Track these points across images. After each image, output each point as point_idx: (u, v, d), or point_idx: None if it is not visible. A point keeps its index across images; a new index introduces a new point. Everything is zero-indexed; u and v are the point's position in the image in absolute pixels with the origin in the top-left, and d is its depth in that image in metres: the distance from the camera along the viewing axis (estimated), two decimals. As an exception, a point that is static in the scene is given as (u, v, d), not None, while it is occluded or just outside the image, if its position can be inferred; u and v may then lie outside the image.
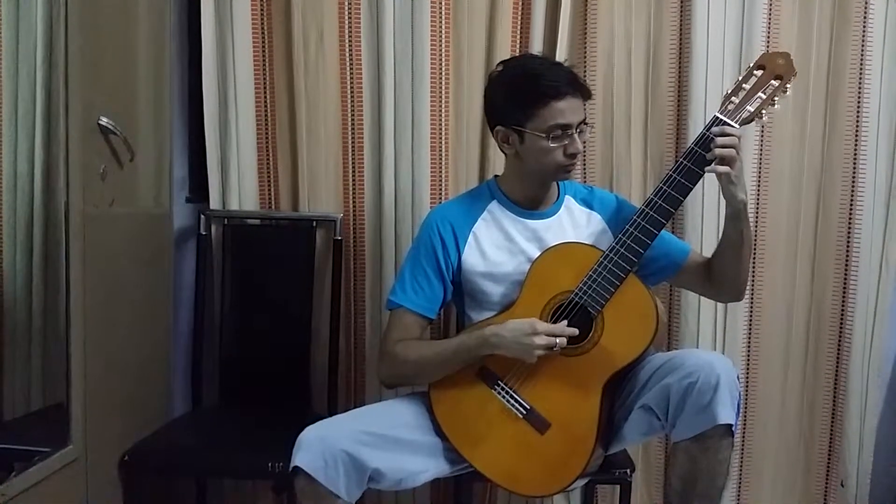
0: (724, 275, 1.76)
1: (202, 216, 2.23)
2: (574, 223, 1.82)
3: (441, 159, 2.20)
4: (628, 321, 1.62)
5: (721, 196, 1.67)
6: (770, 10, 2.18)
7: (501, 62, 1.85)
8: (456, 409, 1.70)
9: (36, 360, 1.81)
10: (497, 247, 1.78)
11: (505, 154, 1.80)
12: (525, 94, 1.68)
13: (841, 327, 2.30)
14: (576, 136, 1.68)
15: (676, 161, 1.64)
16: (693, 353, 1.62)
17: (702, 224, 2.20)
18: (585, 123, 1.71)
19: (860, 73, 2.21)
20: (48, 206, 1.76)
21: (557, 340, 1.58)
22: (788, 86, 1.64)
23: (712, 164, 1.59)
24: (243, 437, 2.00)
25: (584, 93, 1.70)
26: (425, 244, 1.78)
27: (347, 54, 2.18)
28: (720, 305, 2.24)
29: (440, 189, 2.20)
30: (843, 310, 2.29)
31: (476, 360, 1.68)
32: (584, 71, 2.18)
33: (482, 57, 2.19)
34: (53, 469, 1.69)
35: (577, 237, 1.78)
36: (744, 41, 2.18)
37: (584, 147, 1.76)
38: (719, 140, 1.58)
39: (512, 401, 1.66)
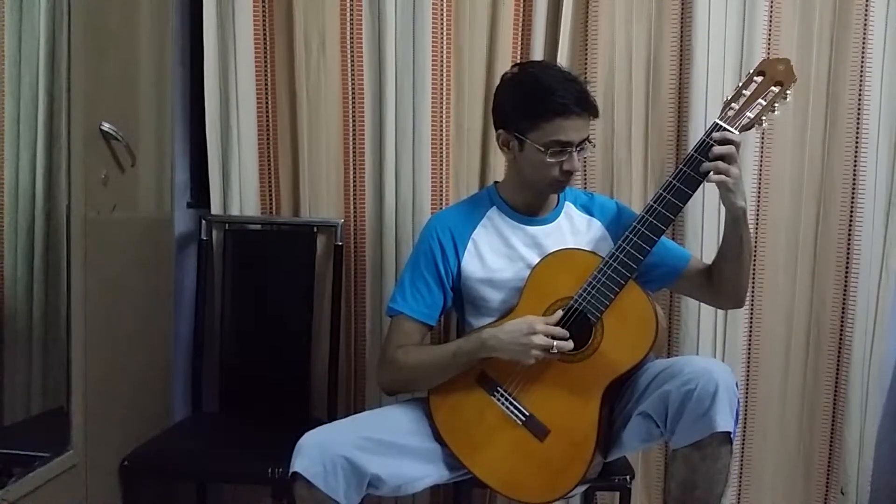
0: (724, 282, 1.76)
1: (203, 221, 2.23)
2: (574, 229, 1.82)
3: (442, 165, 2.20)
4: (628, 327, 1.62)
5: (721, 203, 1.67)
6: (770, 16, 2.18)
7: (517, 64, 1.85)
8: (455, 416, 1.70)
9: (36, 365, 1.81)
10: (496, 253, 1.78)
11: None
12: (532, 106, 1.67)
13: (841, 334, 2.29)
14: (574, 154, 1.68)
15: (676, 167, 1.64)
16: (692, 359, 1.62)
17: (702, 230, 2.20)
18: (588, 141, 1.71)
19: (860, 80, 2.21)
20: (50, 210, 1.77)
21: (555, 343, 1.58)
22: (789, 92, 1.63)
23: (710, 172, 1.59)
24: (243, 443, 2.00)
25: (593, 112, 1.69)
26: (425, 251, 1.79)
27: (349, 60, 2.19)
28: (720, 312, 2.24)
29: (441, 195, 2.21)
30: (843, 317, 2.29)
31: (475, 363, 1.68)
32: (585, 77, 2.18)
33: (483, 64, 2.20)
34: (53, 474, 1.69)
35: (577, 243, 1.78)
36: (744, 47, 2.19)
37: (584, 163, 1.75)
38: (718, 148, 1.58)
39: (511, 407, 1.66)
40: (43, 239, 1.78)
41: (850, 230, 2.26)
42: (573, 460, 1.61)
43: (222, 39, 2.18)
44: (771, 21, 2.19)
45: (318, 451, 1.54)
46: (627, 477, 1.81)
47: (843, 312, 2.29)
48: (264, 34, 2.20)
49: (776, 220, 2.26)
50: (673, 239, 2.11)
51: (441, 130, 2.19)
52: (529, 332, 1.58)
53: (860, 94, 2.21)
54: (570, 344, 1.59)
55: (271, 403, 2.19)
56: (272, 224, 2.27)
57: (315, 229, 2.23)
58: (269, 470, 1.79)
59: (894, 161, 2.24)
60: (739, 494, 2.35)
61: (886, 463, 2.36)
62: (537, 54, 2.17)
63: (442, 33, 2.16)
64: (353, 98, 2.20)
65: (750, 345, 2.30)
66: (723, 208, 1.69)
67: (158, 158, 2.14)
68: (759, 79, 1.64)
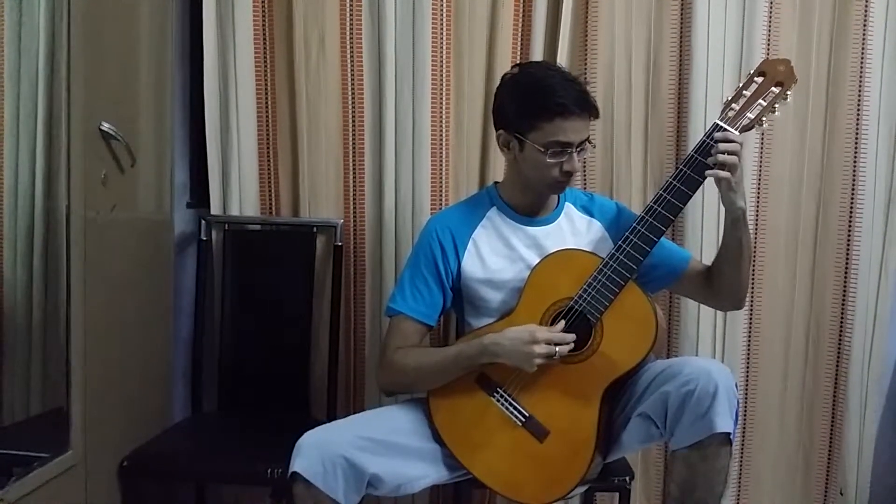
0: (723, 283, 1.76)
1: (203, 221, 2.23)
2: (574, 230, 1.82)
3: (441, 166, 2.20)
4: (627, 328, 1.62)
5: (721, 203, 1.67)
6: (770, 16, 2.19)
7: (517, 65, 1.85)
8: (455, 417, 1.70)
9: (36, 365, 1.81)
10: (496, 254, 1.78)
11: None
12: (533, 106, 1.67)
13: (840, 334, 2.30)
14: (574, 154, 1.68)
15: (676, 168, 1.64)
16: (691, 360, 1.62)
17: (702, 231, 2.20)
18: (589, 142, 1.71)
19: (860, 80, 2.21)
20: (49, 211, 1.77)
21: (557, 349, 1.58)
22: (789, 93, 1.63)
23: (713, 170, 1.59)
24: (242, 443, 2.00)
25: (593, 112, 1.69)
26: (425, 251, 1.79)
27: (349, 60, 2.19)
28: (720, 312, 2.24)
29: (440, 195, 2.21)
30: (842, 317, 2.29)
31: (475, 367, 1.68)
32: (585, 78, 2.18)
33: (483, 64, 2.20)
34: (53, 474, 1.69)
35: (577, 244, 1.78)
36: (744, 48, 2.19)
37: (585, 164, 1.75)
38: (721, 146, 1.58)
39: (511, 408, 1.66)
40: (42, 239, 1.77)
41: (849, 231, 2.26)
42: (573, 461, 1.61)
43: (222, 39, 2.18)
44: (771, 22, 2.19)
45: (317, 452, 1.54)
46: (627, 478, 1.81)
47: (842, 313, 2.29)
48: (264, 34, 2.20)
49: (776, 221, 2.26)
50: (672, 240, 2.11)
51: (441, 131, 2.19)
52: (531, 340, 1.58)
53: (860, 95, 2.22)
54: (566, 348, 1.60)
55: (270, 404, 2.19)
56: (272, 224, 2.27)
57: (315, 229, 2.23)
58: (269, 470, 1.79)
59: (894, 162, 2.24)
60: (739, 495, 2.35)
61: (886, 464, 2.36)
62: (537, 54, 2.17)
63: (441, 33, 2.16)
64: (353, 98, 2.20)
65: (749, 345, 2.30)
66: (722, 209, 1.69)
67: (158, 158, 2.14)
68: (759, 79, 1.64)
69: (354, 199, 2.23)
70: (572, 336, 1.61)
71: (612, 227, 1.83)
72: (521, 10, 2.19)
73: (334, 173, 2.23)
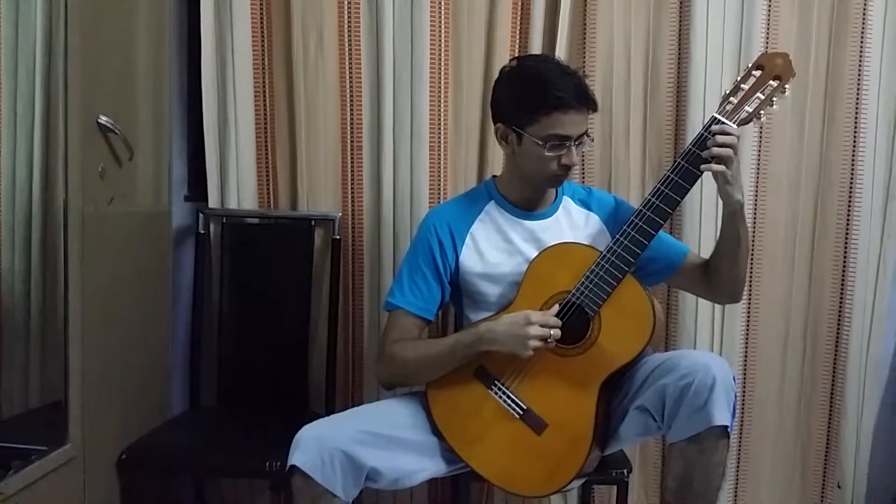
0: (721, 276, 1.76)
1: (201, 215, 2.23)
2: (572, 224, 1.82)
3: (440, 159, 2.20)
4: (625, 321, 1.62)
5: (719, 197, 1.67)
6: (769, 10, 2.18)
7: (516, 58, 1.85)
8: (453, 410, 1.70)
9: (34, 359, 1.81)
10: (495, 248, 1.78)
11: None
12: (531, 99, 1.67)
13: (838, 329, 2.30)
14: (573, 148, 1.68)
15: (674, 162, 1.64)
16: (689, 353, 1.62)
17: (700, 225, 2.20)
18: (587, 136, 1.71)
19: (859, 74, 2.21)
20: (47, 204, 1.77)
21: (552, 332, 1.59)
22: (787, 86, 1.63)
23: (709, 163, 1.59)
24: (241, 436, 2.01)
25: (591, 106, 1.69)
26: (423, 246, 1.79)
27: (347, 54, 2.19)
28: (718, 306, 2.24)
29: (439, 189, 2.21)
30: (840, 312, 2.29)
31: (473, 357, 1.68)
32: (583, 71, 2.16)
33: (481, 58, 2.19)
34: (51, 467, 1.69)
35: (575, 238, 1.78)
36: (743, 42, 2.19)
37: (583, 157, 1.74)
38: (717, 139, 1.58)
39: (509, 401, 1.66)
40: (40, 233, 1.77)
41: (847, 225, 2.26)
42: (570, 454, 1.62)
43: (220, 32, 2.18)
44: (769, 15, 2.19)
45: (315, 445, 1.54)
46: (625, 471, 1.82)
47: (840, 307, 2.29)
48: (262, 27, 2.19)
49: (774, 215, 2.26)
50: (671, 233, 2.11)
51: (439, 124, 2.19)
52: (525, 323, 1.59)
53: (858, 89, 2.22)
54: (558, 331, 1.60)
55: (269, 397, 2.20)
56: (270, 218, 2.27)
57: (313, 223, 2.23)
58: (267, 463, 1.79)
59: (892, 156, 2.24)
60: (736, 489, 2.35)
61: (883, 457, 2.36)
62: (535, 48, 2.17)
63: (440, 27, 2.16)
64: (351, 92, 2.20)
65: (747, 339, 2.30)
66: (721, 202, 1.69)
67: (156, 152, 2.14)
68: (757, 73, 1.64)
69: (353, 192, 2.23)
70: (559, 321, 1.61)
71: (610, 220, 1.83)
72: (520, 3, 2.19)
73: (332, 167, 2.23)
